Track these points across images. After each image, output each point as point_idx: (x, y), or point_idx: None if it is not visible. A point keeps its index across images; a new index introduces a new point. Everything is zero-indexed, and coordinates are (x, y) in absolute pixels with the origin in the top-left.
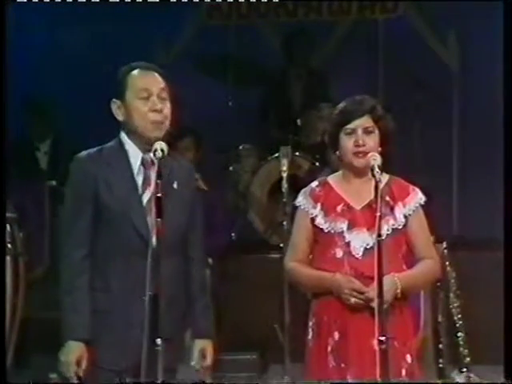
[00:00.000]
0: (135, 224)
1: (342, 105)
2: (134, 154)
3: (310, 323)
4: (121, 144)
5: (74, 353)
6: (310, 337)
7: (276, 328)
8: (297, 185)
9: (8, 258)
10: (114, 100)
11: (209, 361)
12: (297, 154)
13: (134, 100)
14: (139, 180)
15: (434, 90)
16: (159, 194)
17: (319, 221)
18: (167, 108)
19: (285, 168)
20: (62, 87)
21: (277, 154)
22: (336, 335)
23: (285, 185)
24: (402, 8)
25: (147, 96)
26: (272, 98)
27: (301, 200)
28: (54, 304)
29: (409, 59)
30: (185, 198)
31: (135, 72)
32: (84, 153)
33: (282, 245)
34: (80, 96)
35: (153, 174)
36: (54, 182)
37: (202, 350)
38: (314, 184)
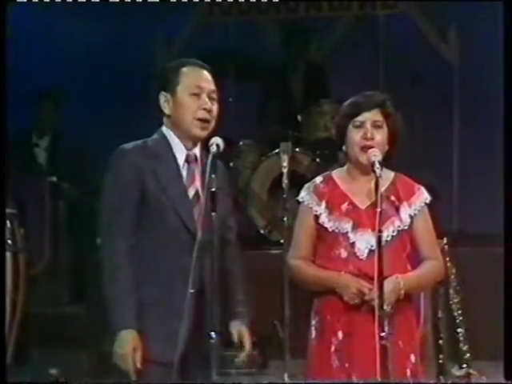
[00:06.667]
0: (182, 217)
1: (352, 98)
2: (179, 149)
3: (313, 322)
4: (165, 138)
5: (129, 343)
6: (313, 336)
7: (276, 324)
8: (297, 181)
9: (8, 254)
10: (163, 93)
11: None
12: (297, 149)
13: (184, 95)
14: (184, 174)
15: (434, 86)
16: (213, 189)
17: (323, 219)
18: (215, 109)
19: (285, 164)
20: (61, 84)
21: (277, 150)
22: (340, 334)
23: (285, 181)
24: (402, 4)
25: (198, 93)
26: (272, 93)
27: (304, 196)
28: (53, 300)
29: (409, 55)
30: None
31: (189, 67)
32: (129, 144)
33: (282, 241)
34: (79, 92)
35: (197, 170)
36: (54, 178)
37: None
38: (318, 180)
